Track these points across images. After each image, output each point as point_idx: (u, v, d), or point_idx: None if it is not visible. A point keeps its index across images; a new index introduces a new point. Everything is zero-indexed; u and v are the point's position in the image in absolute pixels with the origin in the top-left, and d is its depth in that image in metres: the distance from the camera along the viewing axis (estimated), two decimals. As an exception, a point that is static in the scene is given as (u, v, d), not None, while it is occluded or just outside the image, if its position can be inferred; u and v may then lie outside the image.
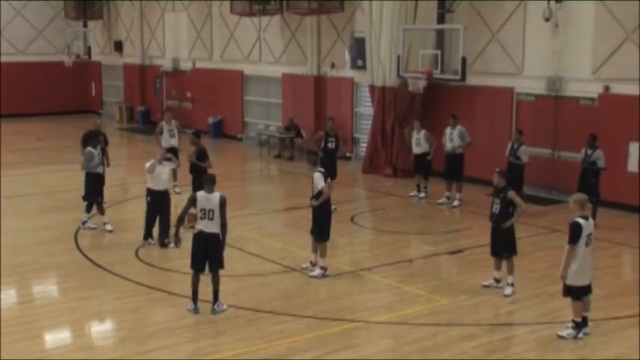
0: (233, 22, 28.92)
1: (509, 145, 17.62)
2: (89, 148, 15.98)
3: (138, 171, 18.26)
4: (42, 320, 11.25)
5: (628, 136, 17.63)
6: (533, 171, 18.75)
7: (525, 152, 17.43)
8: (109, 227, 15.91)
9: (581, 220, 10.25)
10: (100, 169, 15.96)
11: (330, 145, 17.76)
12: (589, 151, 16.34)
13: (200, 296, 11.35)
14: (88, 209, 16.12)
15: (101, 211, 16.07)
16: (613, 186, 17.87)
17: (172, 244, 14.06)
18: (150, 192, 14.72)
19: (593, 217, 15.79)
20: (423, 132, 18.97)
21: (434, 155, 19.09)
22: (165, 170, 14.82)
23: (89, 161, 15.78)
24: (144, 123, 34.22)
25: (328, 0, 24.00)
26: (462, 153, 18.48)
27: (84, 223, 16.07)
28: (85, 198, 16.10)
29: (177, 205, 17.68)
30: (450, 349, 10.15)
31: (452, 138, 18.46)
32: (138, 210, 16.25)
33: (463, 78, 19.63)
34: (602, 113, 18.15)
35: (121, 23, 36.44)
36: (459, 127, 18.46)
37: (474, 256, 14.37)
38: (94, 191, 15.93)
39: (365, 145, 23.56)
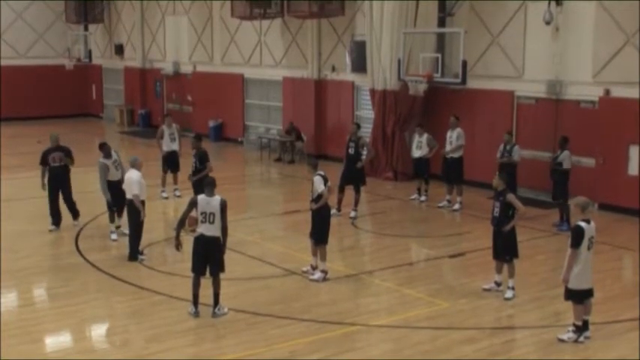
0: (234, 26, 28.94)
1: (501, 147, 17.61)
2: (101, 160, 15.37)
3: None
4: (43, 324, 11.25)
5: (628, 140, 17.63)
6: (534, 174, 18.76)
7: (517, 151, 17.49)
8: (114, 236, 15.56)
9: (582, 224, 10.24)
10: (114, 177, 15.33)
11: (350, 150, 17.77)
12: (558, 152, 16.56)
13: (201, 299, 11.35)
14: (112, 218, 15.63)
15: (110, 218, 15.68)
16: (613, 189, 17.89)
17: (144, 257, 14.13)
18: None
19: (567, 219, 15.99)
20: (425, 135, 18.98)
21: (435, 159, 19.09)
22: (129, 176, 14.11)
23: (103, 174, 15.30)
24: (144, 126, 34.27)
25: (329, 2, 24.03)
26: (461, 157, 18.50)
27: (112, 232, 15.63)
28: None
29: (177, 208, 17.76)
30: (450, 353, 10.14)
31: (451, 141, 18.50)
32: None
33: (464, 81, 19.61)
34: (602, 116, 18.15)
35: (121, 26, 36.47)
36: (457, 130, 18.50)
37: (475, 260, 14.37)
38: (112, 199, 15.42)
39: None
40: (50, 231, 16.15)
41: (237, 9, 26.90)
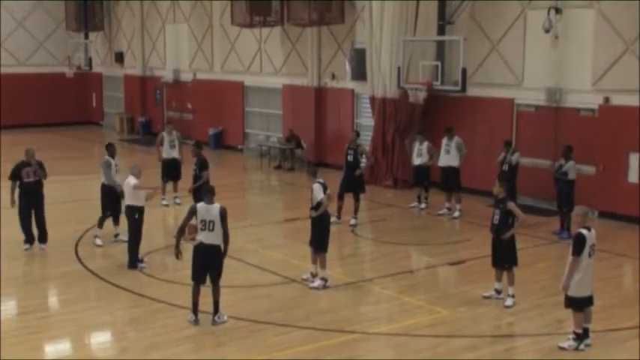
0: (234, 34, 28.98)
1: (502, 156, 17.63)
2: (107, 157, 15.61)
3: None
4: (42, 331, 11.23)
5: (628, 147, 17.63)
6: (533, 182, 18.76)
7: (518, 157, 17.55)
8: (124, 237, 15.24)
9: (584, 231, 10.25)
10: (111, 182, 15.43)
11: (349, 157, 17.79)
12: (562, 162, 16.52)
13: (200, 307, 11.34)
14: (115, 221, 15.67)
15: (115, 222, 15.72)
16: (613, 197, 17.89)
17: (144, 264, 14.12)
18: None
19: (567, 227, 16.02)
20: (426, 143, 19.00)
21: (435, 166, 19.09)
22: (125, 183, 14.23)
23: (107, 170, 15.47)
24: (144, 134, 34.27)
25: (329, 10, 24.07)
26: (458, 165, 18.52)
27: (116, 235, 15.71)
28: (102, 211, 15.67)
29: (177, 216, 17.75)
30: (451, 361, 10.14)
31: (448, 149, 18.53)
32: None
33: (463, 89, 19.63)
34: (602, 124, 18.16)
35: (121, 34, 36.52)
36: (456, 138, 18.53)
37: (475, 267, 14.36)
38: (104, 204, 15.60)
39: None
40: (26, 250, 15.32)
41: (237, 17, 26.94)
